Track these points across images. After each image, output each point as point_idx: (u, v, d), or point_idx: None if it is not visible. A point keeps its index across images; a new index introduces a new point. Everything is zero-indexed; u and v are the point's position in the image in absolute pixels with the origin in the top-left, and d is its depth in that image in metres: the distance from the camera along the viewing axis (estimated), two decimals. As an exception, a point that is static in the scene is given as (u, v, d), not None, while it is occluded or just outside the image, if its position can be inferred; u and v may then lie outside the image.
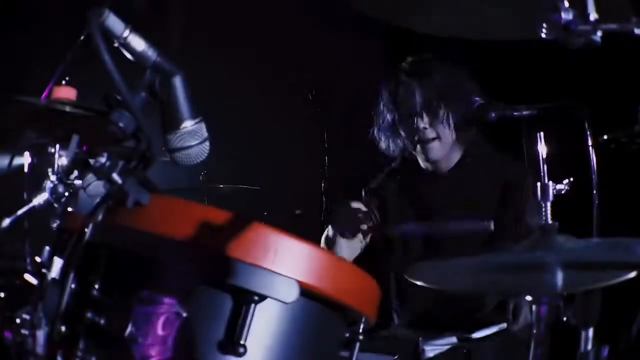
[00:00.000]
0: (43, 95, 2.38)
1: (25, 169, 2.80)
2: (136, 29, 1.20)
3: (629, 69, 2.87)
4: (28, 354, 1.14)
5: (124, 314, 1.14)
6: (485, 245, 2.23)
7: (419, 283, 1.33)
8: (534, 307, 1.37)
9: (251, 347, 1.12)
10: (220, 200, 4.19)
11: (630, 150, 1.79)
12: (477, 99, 2.16)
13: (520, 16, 1.46)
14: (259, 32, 4.63)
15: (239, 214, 1.16)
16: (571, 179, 1.45)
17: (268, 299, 1.13)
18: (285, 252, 1.15)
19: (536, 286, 1.29)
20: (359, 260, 2.45)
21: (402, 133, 2.43)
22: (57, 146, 2.33)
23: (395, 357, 2.19)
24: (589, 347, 1.34)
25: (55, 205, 2.04)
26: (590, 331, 1.34)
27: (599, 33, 1.14)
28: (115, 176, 1.14)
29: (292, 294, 1.14)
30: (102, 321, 1.15)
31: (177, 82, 1.21)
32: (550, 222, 1.39)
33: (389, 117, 2.45)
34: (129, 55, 1.20)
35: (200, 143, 1.24)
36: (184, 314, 1.13)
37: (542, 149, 1.44)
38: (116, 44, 1.19)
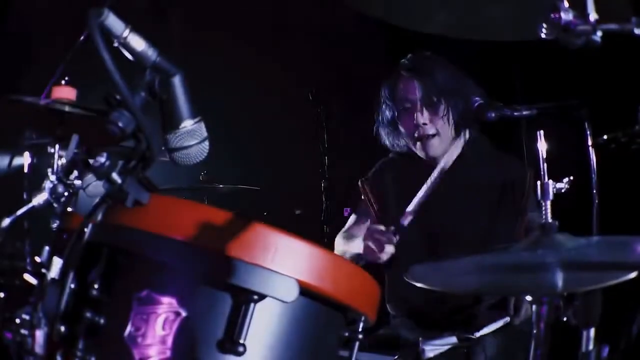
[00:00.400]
0: (43, 95, 2.38)
1: (25, 169, 2.80)
2: (136, 28, 1.20)
3: (629, 69, 2.87)
4: (28, 353, 1.14)
5: (123, 314, 1.14)
6: (484, 244, 2.23)
7: (418, 284, 1.33)
8: (534, 306, 1.37)
9: (251, 346, 1.12)
10: (220, 200, 4.19)
11: (630, 150, 1.79)
12: (476, 98, 2.16)
13: (520, 16, 1.46)
14: (259, 32, 4.63)
15: (239, 214, 1.16)
16: (571, 178, 1.45)
17: (268, 299, 1.13)
18: (285, 252, 1.15)
19: (536, 286, 1.28)
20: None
21: (402, 129, 2.43)
22: (57, 146, 2.32)
23: (395, 357, 2.19)
24: (590, 347, 1.34)
25: (55, 205, 2.04)
26: (591, 331, 1.34)
27: (599, 33, 1.14)
28: (114, 176, 1.14)
29: (291, 293, 1.14)
30: (102, 321, 1.15)
31: (177, 81, 1.21)
32: (550, 220, 1.39)
33: (388, 113, 2.45)
34: (128, 55, 1.20)
35: (200, 143, 1.24)
36: (184, 314, 1.13)
37: (542, 148, 1.44)
38: (116, 44, 1.19)
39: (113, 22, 1.17)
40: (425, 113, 2.35)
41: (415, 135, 2.38)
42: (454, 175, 2.42)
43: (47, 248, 1.37)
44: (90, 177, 1.19)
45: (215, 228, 1.14)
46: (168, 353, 1.12)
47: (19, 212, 2.25)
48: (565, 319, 1.35)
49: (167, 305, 1.13)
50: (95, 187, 1.24)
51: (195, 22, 4.69)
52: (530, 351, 1.37)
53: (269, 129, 4.65)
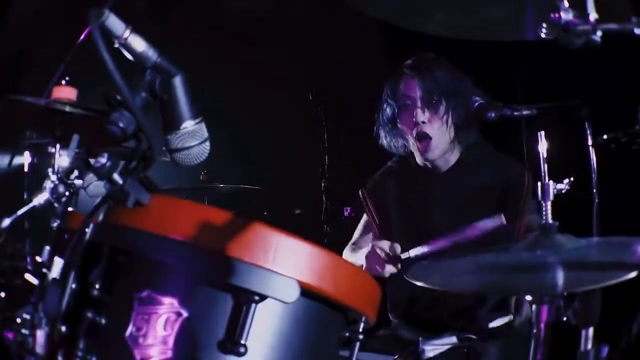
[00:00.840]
0: (43, 95, 2.39)
1: (25, 169, 2.80)
2: (137, 29, 1.20)
3: (629, 69, 2.87)
4: (29, 353, 1.14)
5: (124, 314, 1.14)
6: (484, 244, 2.23)
7: (419, 283, 1.33)
8: (534, 306, 1.37)
9: (252, 347, 1.12)
10: (221, 200, 4.19)
11: (630, 150, 1.79)
12: (477, 98, 2.16)
13: (520, 16, 1.46)
14: (259, 32, 4.63)
15: (239, 214, 1.16)
16: (571, 179, 1.45)
17: (268, 299, 1.13)
18: (285, 252, 1.15)
19: (536, 286, 1.29)
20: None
21: (401, 127, 2.43)
22: (57, 146, 2.33)
23: (395, 357, 2.19)
24: (589, 346, 1.34)
25: (56, 205, 2.04)
26: (590, 331, 1.34)
27: (599, 33, 1.14)
28: (115, 176, 1.14)
29: (292, 293, 1.14)
30: (102, 321, 1.15)
31: (178, 82, 1.21)
32: (550, 221, 1.39)
33: (389, 111, 2.45)
34: (129, 56, 1.20)
35: (201, 143, 1.24)
36: (185, 314, 1.13)
37: (543, 149, 1.44)
38: (117, 45, 1.19)
39: (113, 22, 1.17)
40: (425, 111, 2.35)
41: (414, 133, 2.38)
42: (453, 179, 2.42)
43: (47, 248, 1.37)
44: (90, 177, 1.19)
45: (215, 228, 1.14)
46: (169, 353, 1.12)
47: (20, 212, 2.25)
48: (565, 318, 1.35)
49: (168, 306, 1.14)
50: (96, 187, 1.24)
51: (196, 22, 4.69)
52: (530, 351, 1.37)
53: (269, 129, 4.65)
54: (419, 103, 2.36)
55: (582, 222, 1.71)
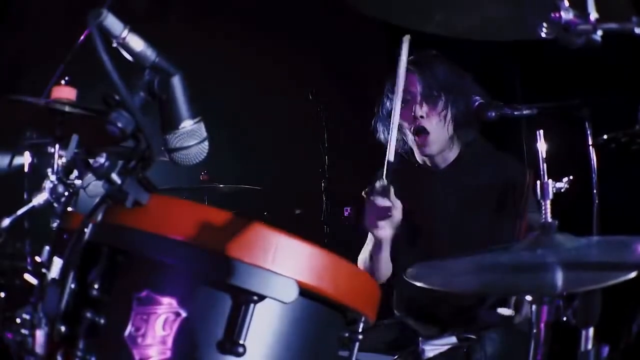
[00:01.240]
0: (43, 95, 2.39)
1: (25, 169, 2.80)
2: (135, 29, 1.20)
3: (629, 69, 2.87)
4: (28, 353, 1.14)
5: (123, 314, 1.14)
6: (485, 246, 2.22)
7: (418, 284, 1.33)
8: (534, 306, 1.37)
9: (251, 347, 1.12)
10: (221, 200, 4.19)
11: (630, 150, 1.79)
12: (477, 98, 2.16)
13: (520, 16, 1.45)
14: (259, 32, 4.63)
15: (239, 214, 1.16)
16: (571, 177, 1.45)
17: (267, 299, 1.13)
18: (284, 252, 1.15)
19: (536, 286, 1.28)
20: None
21: (400, 122, 2.43)
22: (57, 146, 2.33)
23: (395, 357, 2.19)
24: (589, 346, 1.34)
25: (55, 205, 2.04)
26: (591, 331, 1.34)
27: (599, 32, 1.13)
28: (114, 176, 1.14)
29: (291, 294, 1.14)
30: (102, 321, 1.15)
31: (176, 81, 1.21)
32: (550, 220, 1.39)
33: (389, 105, 2.45)
34: (127, 55, 1.20)
35: (200, 143, 1.24)
36: (184, 314, 1.13)
37: (542, 148, 1.44)
38: (115, 44, 1.19)
39: (112, 22, 1.17)
40: (424, 106, 2.36)
41: (412, 128, 2.38)
42: (452, 176, 2.42)
43: (47, 248, 1.37)
44: (90, 177, 1.19)
45: (215, 228, 1.14)
46: (168, 353, 1.12)
47: (19, 212, 2.25)
48: (565, 318, 1.35)
49: (167, 306, 1.13)
50: (95, 187, 1.24)
51: (195, 22, 4.70)
52: (530, 351, 1.37)
53: (269, 129, 4.66)
54: (418, 98, 2.36)
55: (582, 221, 1.71)
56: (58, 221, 1.74)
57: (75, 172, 1.73)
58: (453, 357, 2.17)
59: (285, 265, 1.14)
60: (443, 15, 1.53)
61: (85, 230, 1.16)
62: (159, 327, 1.13)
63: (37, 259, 2.46)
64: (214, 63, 4.49)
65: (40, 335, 1.13)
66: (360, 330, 1.29)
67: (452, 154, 2.44)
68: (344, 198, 3.89)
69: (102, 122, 1.17)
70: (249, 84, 4.57)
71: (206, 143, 1.25)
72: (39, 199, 2.12)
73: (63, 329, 1.14)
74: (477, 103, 2.16)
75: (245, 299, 1.12)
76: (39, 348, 1.13)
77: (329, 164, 4.01)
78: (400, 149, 2.51)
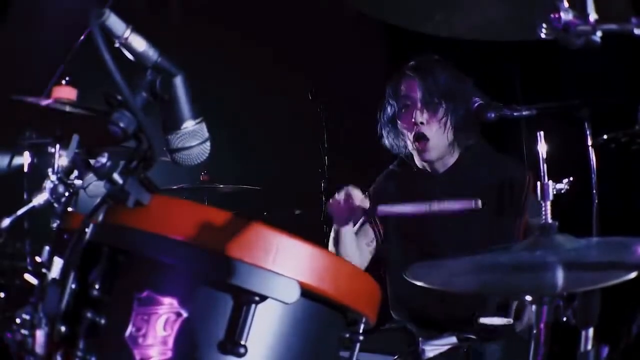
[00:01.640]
0: (43, 95, 2.39)
1: (25, 169, 2.80)
2: (137, 28, 1.20)
3: (629, 69, 2.87)
4: (28, 353, 1.14)
5: (124, 314, 1.14)
6: (484, 245, 2.22)
7: (418, 283, 1.33)
8: (533, 307, 1.37)
9: (252, 347, 1.12)
10: (221, 200, 4.18)
11: (630, 150, 1.79)
12: (476, 99, 2.16)
13: (520, 16, 1.46)
14: (259, 32, 4.63)
15: (239, 214, 1.16)
16: (571, 179, 1.45)
17: (269, 300, 1.13)
18: (285, 253, 1.15)
19: (536, 286, 1.29)
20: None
21: (400, 127, 2.44)
22: (57, 146, 2.32)
23: (395, 357, 2.19)
24: (589, 347, 1.34)
25: (55, 205, 2.04)
26: (590, 331, 1.34)
27: (599, 33, 1.14)
28: (116, 176, 1.14)
29: (292, 294, 1.14)
30: (102, 321, 1.15)
31: (178, 82, 1.21)
32: (550, 221, 1.39)
33: (389, 111, 2.46)
34: (129, 55, 1.20)
35: (201, 143, 1.24)
36: (185, 314, 1.13)
37: (542, 149, 1.44)
38: (117, 44, 1.19)
39: (114, 22, 1.17)
40: (424, 113, 2.36)
41: (412, 134, 2.38)
42: (450, 180, 2.42)
43: (47, 248, 1.37)
44: (90, 177, 1.19)
45: (216, 228, 1.14)
46: (169, 354, 1.12)
47: (19, 212, 2.25)
48: (564, 319, 1.35)
49: (167, 306, 1.13)
50: (95, 187, 1.24)
51: (196, 22, 4.69)
52: (530, 353, 1.37)
53: (269, 129, 4.65)
54: (418, 104, 2.37)
55: (581, 222, 1.72)
56: (58, 221, 1.74)
57: (76, 172, 1.72)
58: (453, 357, 2.17)
59: (286, 265, 1.14)
60: (443, 15, 1.53)
61: (86, 230, 1.16)
62: (159, 327, 1.13)
63: (37, 259, 2.46)
64: (214, 63, 4.49)
65: (40, 335, 1.13)
66: (361, 330, 1.29)
67: (452, 159, 2.44)
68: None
69: (103, 122, 1.17)
70: (249, 84, 4.57)
71: (208, 143, 1.25)
72: (39, 199, 2.12)
73: (63, 329, 1.14)
74: (476, 104, 2.16)
75: (246, 300, 1.12)
76: (39, 348, 1.14)
77: (329, 164, 4.01)
78: (401, 153, 2.52)
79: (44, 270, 1.21)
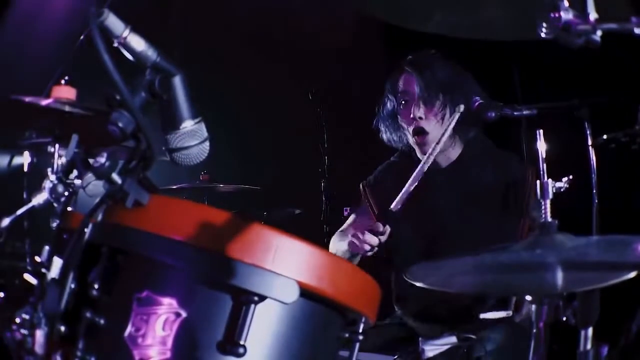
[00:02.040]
0: (43, 95, 2.39)
1: (25, 169, 2.80)
2: (136, 28, 1.20)
3: (629, 69, 2.87)
4: (28, 353, 1.14)
5: (123, 314, 1.14)
6: (487, 245, 2.22)
7: (418, 284, 1.33)
8: (533, 306, 1.37)
9: (251, 347, 1.12)
10: (221, 200, 4.18)
11: (630, 150, 1.79)
12: (477, 98, 2.17)
13: (520, 16, 1.46)
14: (259, 32, 4.63)
15: (239, 214, 1.16)
16: (570, 177, 1.45)
17: (268, 300, 1.13)
18: (285, 253, 1.15)
19: (536, 286, 1.28)
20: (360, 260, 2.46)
21: (400, 122, 2.45)
22: (57, 146, 2.33)
23: (395, 357, 2.19)
24: (589, 346, 1.34)
25: (55, 205, 2.04)
26: (590, 330, 1.34)
27: (599, 33, 1.13)
28: (115, 176, 1.14)
29: (292, 294, 1.14)
30: (101, 321, 1.14)
31: (177, 82, 1.21)
32: (550, 220, 1.39)
33: (389, 106, 2.47)
34: (128, 55, 1.20)
35: (200, 143, 1.24)
36: (184, 315, 1.13)
37: (542, 148, 1.44)
38: (116, 44, 1.19)
39: (113, 22, 1.17)
40: (422, 107, 2.36)
41: (411, 129, 2.39)
42: (454, 174, 2.42)
43: (47, 248, 1.36)
44: (90, 177, 1.19)
45: (215, 228, 1.14)
46: (168, 354, 1.12)
47: (19, 211, 2.25)
48: (564, 318, 1.35)
49: (167, 306, 1.13)
50: (95, 186, 1.24)
51: (196, 22, 4.69)
52: (530, 349, 1.37)
53: (269, 129, 4.65)
54: (416, 99, 2.37)
55: (581, 221, 1.72)
56: (58, 221, 1.74)
57: (75, 172, 1.72)
58: (453, 357, 2.17)
59: (285, 265, 1.14)
60: (443, 15, 1.53)
61: (86, 230, 1.16)
62: (159, 327, 1.13)
63: (37, 258, 2.46)
64: (214, 63, 4.49)
65: (39, 335, 1.13)
66: (360, 330, 1.29)
67: (454, 153, 2.44)
68: (344, 198, 3.89)
69: (102, 122, 1.17)
70: (249, 84, 4.57)
71: (207, 143, 1.25)
72: (39, 198, 2.12)
73: (63, 329, 1.14)
74: (477, 103, 2.16)
75: (245, 300, 1.12)
76: (38, 348, 1.13)
77: (329, 164, 4.01)
78: (399, 147, 2.52)
79: (43, 270, 1.21)
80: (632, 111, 1.79)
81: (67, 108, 2.33)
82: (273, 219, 3.88)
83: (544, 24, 1.16)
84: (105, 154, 1.14)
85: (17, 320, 1.16)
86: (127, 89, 1.14)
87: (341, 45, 4.47)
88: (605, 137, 1.88)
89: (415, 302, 2.40)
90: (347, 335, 1.30)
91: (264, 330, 1.15)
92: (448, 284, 1.44)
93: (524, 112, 2.03)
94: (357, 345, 1.30)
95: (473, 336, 2.20)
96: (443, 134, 2.28)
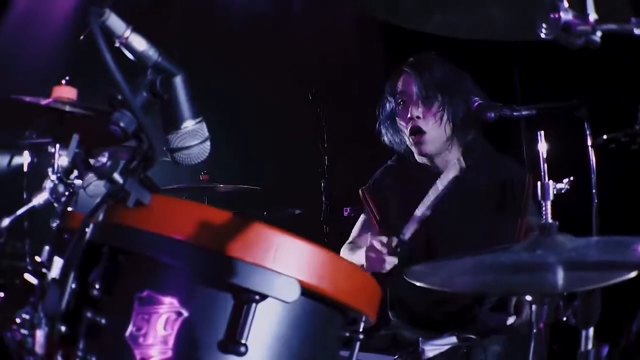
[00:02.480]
0: (43, 95, 2.39)
1: (25, 169, 2.80)
2: (137, 28, 1.20)
3: (629, 69, 2.87)
4: (28, 353, 1.14)
5: (124, 314, 1.14)
6: (485, 245, 2.23)
7: (418, 284, 1.33)
8: (534, 306, 1.38)
9: (252, 346, 1.12)
10: (221, 200, 4.19)
11: (630, 150, 1.79)
12: (476, 98, 2.17)
13: (520, 16, 1.46)
14: (259, 31, 4.63)
15: (239, 213, 1.16)
16: (571, 178, 1.45)
17: (269, 299, 1.13)
18: (285, 252, 1.15)
19: (536, 286, 1.29)
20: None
21: (398, 123, 2.45)
22: (57, 146, 2.33)
23: (395, 357, 2.19)
24: (589, 346, 1.34)
25: (55, 205, 2.04)
26: (591, 331, 1.34)
27: (599, 33, 1.14)
28: (116, 176, 1.14)
29: (293, 293, 1.14)
30: (102, 321, 1.15)
31: (178, 81, 1.21)
32: (550, 221, 1.39)
33: (388, 107, 2.47)
34: (130, 55, 1.20)
35: (201, 143, 1.24)
36: (185, 314, 1.13)
37: (542, 148, 1.44)
38: (117, 44, 1.19)
39: (114, 22, 1.17)
40: (420, 107, 2.36)
41: (408, 129, 2.39)
42: (452, 180, 2.42)
43: (47, 248, 1.37)
44: (90, 176, 1.19)
45: (216, 228, 1.14)
46: (169, 353, 1.12)
47: (19, 212, 2.25)
48: (564, 318, 1.35)
49: (168, 305, 1.13)
50: (95, 186, 1.24)
51: (196, 22, 4.70)
52: (529, 351, 1.37)
53: (269, 129, 4.66)
54: (414, 98, 2.37)
55: (581, 221, 1.72)
56: (58, 221, 1.74)
57: (76, 172, 1.72)
58: (453, 357, 2.17)
59: (286, 264, 1.14)
60: (443, 15, 1.53)
61: (86, 230, 1.16)
62: (160, 326, 1.13)
63: (37, 258, 2.46)
64: (214, 63, 4.49)
65: (40, 335, 1.13)
66: (360, 329, 1.30)
67: (452, 156, 2.43)
68: (344, 198, 3.89)
69: (103, 122, 1.17)
70: (249, 84, 4.57)
71: (208, 143, 1.25)
72: (39, 199, 2.12)
73: (63, 329, 1.14)
74: (476, 104, 2.16)
75: (247, 299, 1.12)
76: (39, 348, 1.13)
77: (329, 164, 4.01)
78: (400, 150, 2.52)
79: (44, 270, 1.21)
80: (632, 111, 1.80)
81: (67, 108, 2.33)
82: (273, 219, 3.88)
83: (544, 25, 1.16)
84: (106, 154, 1.14)
85: (18, 320, 1.16)
86: (129, 89, 1.14)
87: (341, 45, 4.48)
88: (605, 137, 1.89)
89: (414, 305, 2.40)
90: (347, 334, 1.30)
91: (265, 329, 1.15)
92: (448, 284, 1.44)
93: (524, 113, 2.03)
94: (358, 344, 1.30)
95: (473, 336, 2.20)
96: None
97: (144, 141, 1.17)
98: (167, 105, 1.21)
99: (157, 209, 1.16)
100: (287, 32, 4.69)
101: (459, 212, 2.37)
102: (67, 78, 2.40)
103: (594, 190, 1.93)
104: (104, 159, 1.14)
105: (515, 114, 2.04)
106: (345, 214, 3.95)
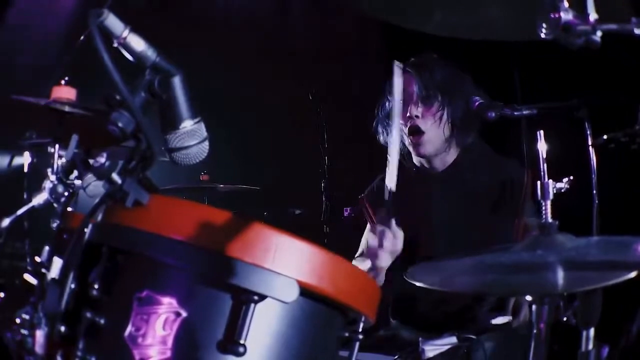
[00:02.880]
0: (43, 95, 2.39)
1: (25, 169, 2.80)
2: (136, 28, 1.20)
3: (629, 69, 2.87)
4: (28, 353, 1.14)
5: (123, 314, 1.14)
6: (484, 245, 2.22)
7: (418, 284, 1.33)
8: (534, 306, 1.37)
9: (251, 346, 1.12)
10: (221, 200, 4.19)
11: (630, 150, 1.79)
12: (476, 98, 2.16)
13: (520, 16, 1.46)
14: (259, 32, 4.63)
15: (239, 214, 1.16)
16: (571, 178, 1.45)
17: (268, 299, 1.13)
18: (285, 252, 1.15)
19: (536, 286, 1.28)
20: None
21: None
22: (57, 146, 2.33)
23: (395, 357, 2.19)
24: (590, 346, 1.34)
25: (55, 205, 2.04)
26: (591, 331, 1.34)
27: (599, 33, 1.13)
28: (114, 176, 1.14)
29: (292, 293, 1.14)
30: (102, 321, 1.15)
31: (177, 82, 1.22)
32: (550, 220, 1.39)
33: (387, 106, 2.46)
34: (128, 55, 1.20)
35: (200, 143, 1.24)
36: (184, 314, 1.13)
37: (543, 148, 1.44)
38: (116, 44, 1.19)
39: (113, 22, 1.17)
40: (419, 106, 2.36)
41: (407, 128, 2.38)
42: (450, 179, 2.42)
43: (47, 248, 1.37)
44: (90, 177, 1.19)
45: (215, 228, 1.14)
46: (168, 353, 1.12)
47: (19, 212, 2.25)
48: (565, 319, 1.35)
49: (167, 306, 1.13)
50: (95, 187, 1.24)
51: (196, 22, 4.70)
52: (529, 352, 1.37)
53: (269, 129, 4.66)
54: (414, 98, 2.37)
55: (582, 221, 1.72)
56: (58, 221, 1.74)
57: (75, 172, 1.73)
58: (453, 357, 2.17)
59: (285, 264, 1.14)
60: (443, 15, 1.53)
61: (86, 230, 1.16)
62: (159, 327, 1.13)
63: (37, 259, 2.46)
64: (214, 63, 4.49)
65: (40, 335, 1.13)
66: (360, 330, 1.29)
67: (450, 157, 2.43)
68: (344, 198, 3.90)
69: (102, 122, 1.17)
70: (249, 84, 4.57)
71: (206, 143, 1.25)
72: (39, 199, 2.12)
73: (63, 329, 1.14)
74: (477, 103, 2.16)
75: (245, 299, 1.12)
76: (38, 348, 1.13)
77: (329, 164, 4.01)
78: (402, 150, 2.51)
79: (43, 270, 1.21)
80: (632, 111, 1.79)
81: (67, 108, 2.33)
82: (273, 219, 3.88)
83: (544, 25, 1.16)
84: (105, 154, 1.14)
85: (18, 320, 1.16)
86: (127, 89, 1.14)
87: (341, 45, 4.48)
88: (605, 137, 1.88)
89: (414, 305, 2.40)
90: (347, 334, 1.30)
91: (264, 330, 1.15)
92: (448, 284, 1.44)
93: (524, 112, 2.03)
94: (357, 344, 1.30)
95: (473, 336, 2.20)
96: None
97: (142, 141, 1.17)
98: (165, 106, 1.21)
99: (155, 209, 1.16)
100: (287, 32, 4.69)
101: (456, 213, 2.37)
102: (66, 78, 2.41)
103: (594, 190, 1.93)
104: (102, 159, 1.14)
105: (515, 113, 2.04)
106: (346, 214, 3.95)
